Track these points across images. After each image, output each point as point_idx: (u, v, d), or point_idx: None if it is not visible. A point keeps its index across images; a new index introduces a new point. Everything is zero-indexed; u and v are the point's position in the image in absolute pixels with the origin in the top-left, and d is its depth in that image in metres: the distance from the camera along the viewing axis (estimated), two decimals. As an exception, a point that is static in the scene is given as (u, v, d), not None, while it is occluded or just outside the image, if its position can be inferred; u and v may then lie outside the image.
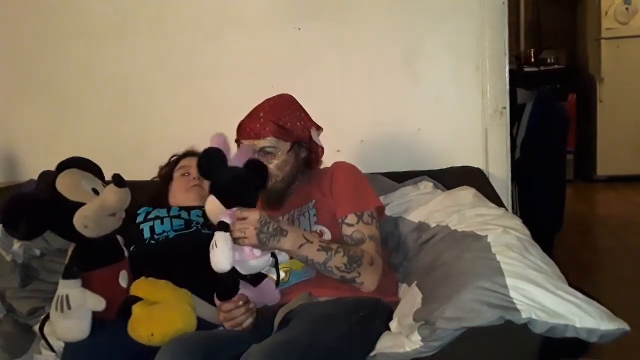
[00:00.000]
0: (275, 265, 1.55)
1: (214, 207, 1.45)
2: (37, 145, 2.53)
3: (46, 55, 2.50)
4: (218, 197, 1.44)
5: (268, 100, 1.67)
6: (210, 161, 1.44)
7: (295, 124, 1.64)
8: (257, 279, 1.52)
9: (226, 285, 1.45)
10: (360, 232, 1.58)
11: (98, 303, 1.46)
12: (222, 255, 1.39)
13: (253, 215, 1.42)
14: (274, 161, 1.62)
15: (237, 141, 1.64)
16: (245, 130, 1.61)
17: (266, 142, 1.60)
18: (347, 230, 1.60)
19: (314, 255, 1.49)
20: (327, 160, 1.82)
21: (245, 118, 1.64)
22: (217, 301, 1.49)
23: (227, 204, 1.44)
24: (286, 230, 1.47)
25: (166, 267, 1.64)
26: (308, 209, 1.65)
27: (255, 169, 1.48)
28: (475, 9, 2.13)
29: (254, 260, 1.45)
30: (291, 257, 1.57)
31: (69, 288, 1.45)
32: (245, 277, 1.48)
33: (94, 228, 1.47)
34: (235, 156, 1.50)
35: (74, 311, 1.43)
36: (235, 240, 1.41)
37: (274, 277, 1.57)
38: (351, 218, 1.60)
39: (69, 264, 1.49)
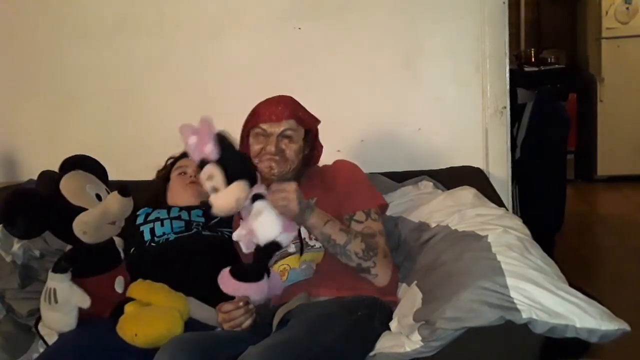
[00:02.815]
0: (300, 238, 1.56)
1: (237, 192, 1.39)
2: (37, 145, 2.53)
3: (46, 55, 2.50)
4: (246, 179, 1.41)
5: (270, 98, 1.67)
6: (224, 147, 1.42)
7: (306, 114, 1.67)
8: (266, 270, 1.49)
9: (260, 262, 1.43)
10: (370, 229, 1.60)
11: (83, 301, 1.46)
12: (271, 221, 1.38)
13: (291, 186, 1.43)
14: (292, 146, 1.63)
15: (251, 128, 1.65)
16: (264, 114, 1.62)
17: (287, 124, 1.62)
18: (356, 227, 1.60)
19: (337, 235, 1.50)
20: (326, 160, 1.81)
21: (260, 106, 1.64)
22: (217, 309, 1.48)
23: (251, 182, 1.43)
24: (313, 206, 1.49)
25: (166, 270, 1.63)
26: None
27: (223, 141, 1.45)
28: (475, 9, 2.13)
29: (288, 234, 1.44)
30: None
31: (57, 282, 1.45)
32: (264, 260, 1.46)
33: (93, 234, 1.46)
34: (202, 136, 1.42)
35: (60, 305, 1.44)
36: (278, 208, 1.41)
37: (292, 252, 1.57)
38: (359, 215, 1.61)
39: (59, 259, 1.49)
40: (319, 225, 1.49)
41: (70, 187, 1.47)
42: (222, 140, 1.42)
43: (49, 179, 1.52)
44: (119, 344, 1.44)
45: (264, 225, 1.38)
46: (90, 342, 1.45)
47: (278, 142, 1.61)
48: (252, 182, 1.45)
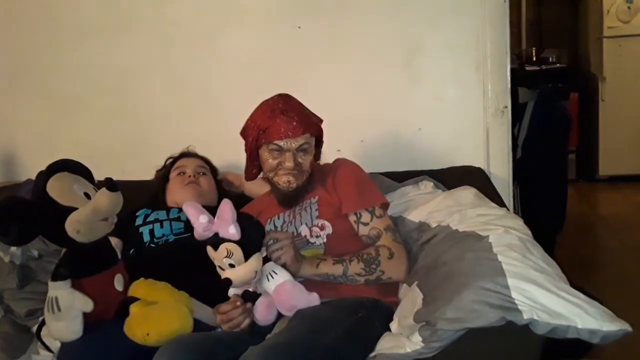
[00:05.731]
0: None
1: (255, 265, 1.44)
2: (37, 145, 2.53)
3: (46, 55, 2.50)
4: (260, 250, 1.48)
5: (271, 100, 1.63)
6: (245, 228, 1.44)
7: (312, 118, 1.65)
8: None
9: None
10: (376, 229, 1.62)
11: (86, 304, 1.44)
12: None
13: (285, 234, 1.53)
14: (308, 157, 1.64)
15: (264, 143, 1.61)
16: (279, 130, 1.57)
17: (303, 139, 1.60)
18: (363, 230, 1.63)
19: (332, 269, 1.53)
20: (326, 160, 1.81)
21: (271, 120, 1.58)
22: (214, 310, 1.49)
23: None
24: (303, 255, 1.54)
25: (166, 272, 1.62)
26: (310, 204, 1.67)
27: (245, 221, 1.47)
28: (476, 8, 2.13)
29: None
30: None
31: (57, 290, 1.43)
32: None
33: (86, 233, 1.44)
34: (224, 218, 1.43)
35: (64, 312, 1.41)
36: (275, 260, 1.48)
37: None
38: (365, 217, 1.63)
39: (56, 266, 1.47)
40: (313, 269, 1.53)
41: (58, 188, 1.45)
42: (244, 220, 1.43)
43: (35, 183, 1.50)
44: (129, 345, 1.43)
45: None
46: (99, 349, 1.43)
47: (295, 157, 1.60)
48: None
